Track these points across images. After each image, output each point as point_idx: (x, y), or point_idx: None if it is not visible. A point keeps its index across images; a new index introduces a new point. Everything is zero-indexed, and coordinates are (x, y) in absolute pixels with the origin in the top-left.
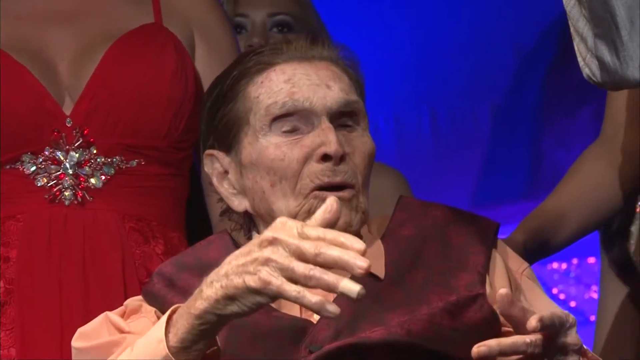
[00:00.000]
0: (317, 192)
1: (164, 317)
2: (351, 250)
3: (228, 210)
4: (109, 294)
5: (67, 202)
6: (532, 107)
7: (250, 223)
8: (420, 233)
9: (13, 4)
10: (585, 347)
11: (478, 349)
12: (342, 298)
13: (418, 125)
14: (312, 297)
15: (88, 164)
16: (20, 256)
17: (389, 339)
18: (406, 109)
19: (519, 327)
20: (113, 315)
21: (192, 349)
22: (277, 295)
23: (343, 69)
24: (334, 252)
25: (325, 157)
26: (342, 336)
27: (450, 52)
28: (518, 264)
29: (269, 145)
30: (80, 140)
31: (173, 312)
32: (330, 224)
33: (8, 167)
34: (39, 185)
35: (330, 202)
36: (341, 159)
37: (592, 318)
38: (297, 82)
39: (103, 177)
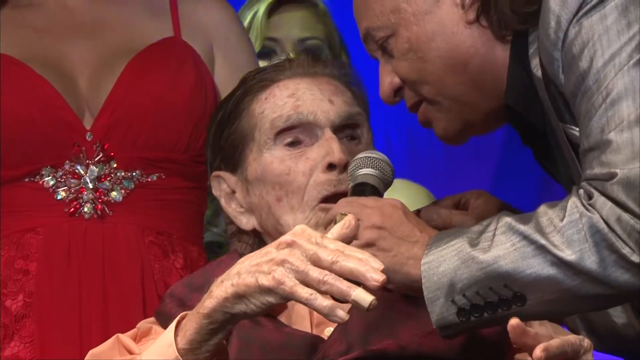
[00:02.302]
0: (323, 205)
1: (174, 322)
2: (368, 265)
3: (238, 232)
4: (128, 308)
5: (86, 216)
6: None
7: (260, 242)
8: None
9: (33, 16)
10: None
11: None
12: (353, 312)
13: (429, 137)
14: (323, 300)
15: (108, 178)
16: (40, 269)
17: (401, 352)
18: (414, 119)
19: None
20: (124, 337)
21: (201, 350)
22: (288, 296)
23: (346, 84)
24: (350, 263)
25: (330, 167)
26: (353, 350)
27: None
28: None
29: (273, 160)
30: (101, 155)
31: (182, 317)
32: (347, 240)
33: (27, 180)
34: (58, 198)
35: (349, 219)
36: (345, 167)
37: None
38: (301, 96)
39: (123, 191)
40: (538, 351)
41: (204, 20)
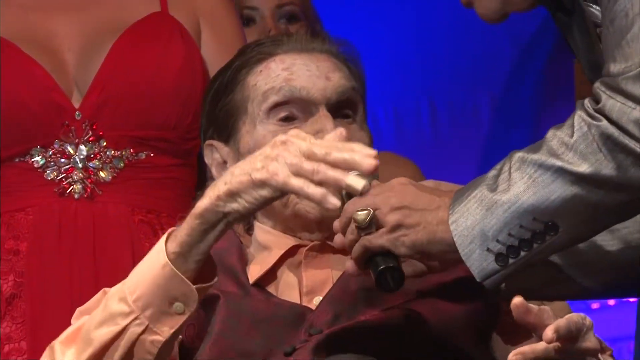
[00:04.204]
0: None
1: (165, 233)
2: (361, 152)
3: None
4: None
5: (76, 196)
6: (531, 97)
7: None
8: None
9: None
10: (603, 342)
11: (515, 357)
12: (340, 282)
13: (417, 117)
14: (316, 188)
15: (97, 157)
16: (31, 249)
17: (389, 322)
18: (405, 101)
19: (538, 331)
20: (110, 289)
21: (191, 254)
22: (282, 187)
23: (343, 61)
24: (343, 153)
25: None
26: (341, 320)
27: (449, 44)
28: None
29: (266, 134)
30: (90, 134)
31: (173, 230)
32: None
33: (17, 160)
34: (48, 178)
35: (340, 130)
36: None
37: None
38: (296, 71)
39: (112, 170)
40: (549, 332)
41: None
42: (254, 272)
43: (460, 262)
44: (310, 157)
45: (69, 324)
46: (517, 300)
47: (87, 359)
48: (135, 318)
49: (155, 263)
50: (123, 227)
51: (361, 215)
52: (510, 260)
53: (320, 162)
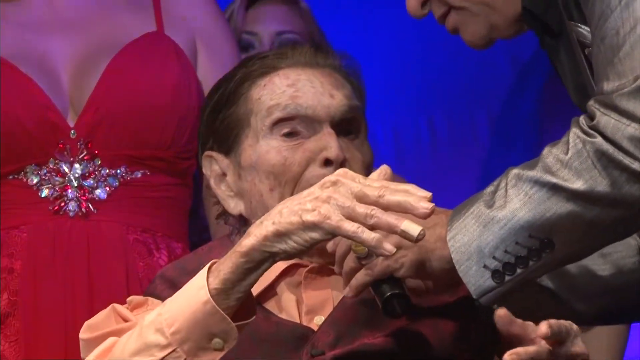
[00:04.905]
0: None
1: (205, 267)
2: (415, 195)
3: (224, 214)
4: None
5: (71, 214)
6: (529, 115)
7: (245, 227)
8: None
9: (16, 11)
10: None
11: (510, 356)
12: (342, 305)
13: (416, 134)
14: (370, 233)
15: (92, 176)
16: (25, 268)
17: (391, 344)
18: (404, 118)
19: (522, 343)
20: (120, 306)
21: (233, 291)
22: (334, 231)
23: (345, 77)
24: (397, 196)
25: (327, 162)
26: (342, 342)
27: (448, 61)
28: None
29: (269, 149)
30: (85, 152)
31: (213, 263)
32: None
33: (11, 177)
34: (42, 196)
35: (384, 168)
36: (341, 164)
37: None
38: (301, 87)
39: (107, 189)
40: (544, 327)
41: (186, 13)
42: (253, 288)
43: (459, 279)
44: (362, 199)
45: (63, 342)
46: (501, 311)
47: None
48: (173, 351)
49: (196, 298)
50: (117, 245)
51: (359, 246)
52: (507, 277)
53: (373, 205)
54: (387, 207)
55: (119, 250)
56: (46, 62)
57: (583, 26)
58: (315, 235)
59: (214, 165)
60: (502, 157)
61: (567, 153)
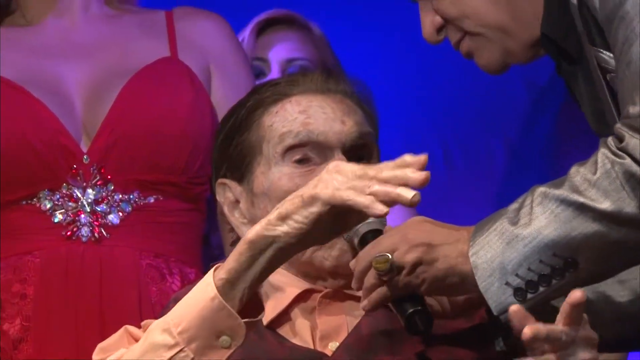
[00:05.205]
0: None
1: (212, 268)
2: (412, 163)
3: (239, 240)
4: None
5: (84, 239)
6: (545, 141)
7: None
8: None
9: (30, 36)
10: None
11: (530, 329)
12: (354, 331)
13: (431, 161)
14: (364, 196)
15: (105, 201)
16: (37, 293)
17: None
18: (419, 145)
19: (534, 344)
20: (133, 328)
21: (239, 282)
22: (330, 200)
23: (357, 103)
24: (395, 171)
25: None
26: None
27: (463, 87)
28: None
29: (281, 177)
30: (97, 178)
31: (219, 265)
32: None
33: (24, 202)
34: (55, 221)
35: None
36: None
37: None
38: (313, 114)
39: (120, 214)
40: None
41: (200, 38)
42: (267, 312)
43: (479, 297)
44: (361, 177)
45: None
46: (515, 306)
47: None
48: (180, 351)
49: (203, 295)
50: (130, 270)
51: (381, 263)
52: (529, 295)
53: (372, 179)
54: (385, 181)
55: (132, 275)
56: (59, 87)
57: (605, 52)
58: (314, 209)
59: (227, 192)
60: (517, 183)
61: (595, 173)
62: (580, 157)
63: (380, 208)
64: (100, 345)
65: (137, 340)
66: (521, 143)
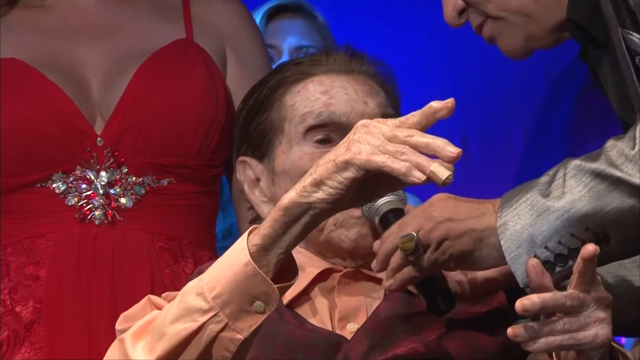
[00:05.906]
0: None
1: (247, 231)
2: (439, 108)
3: (258, 218)
4: None
5: (97, 222)
6: (563, 129)
7: None
8: None
9: (44, 18)
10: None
11: (522, 302)
12: (374, 314)
13: None
14: (401, 162)
15: (119, 184)
16: (50, 275)
17: (423, 355)
18: (437, 132)
19: (548, 304)
20: (155, 297)
21: (273, 248)
22: (365, 165)
23: (380, 84)
24: (426, 138)
25: None
26: (375, 351)
27: (482, 75)
28: None
29: (302, 156)
30: (111, 160)
31: (254, 228)
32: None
33: (38, 185)
34: (69, 204)
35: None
36: None
37: None
38: (335, 94)
39: (133, 197)
40: (590, 247)
41: (216, 20)
42: (286, 292)
43: (504, 273)
44: (392, 139)
45: (87, 350)
46: (533, 261)
47: (162, 353)
48: (215, 315)
49: (237, 260)
50: (143, 253)
51: (406, 242)
52: (557, 269)
53: (403, 144)
54: (415, 147)
55: (145, 258)
56: (73, 69)
57: (635, 34)
58: (348, 174)
59: (247, 170)
60: (535, 170)
61: (633, 148)
62: (597, 143)
63: (418, 176)
64: (124, 314)
65: (159, 308)
66: (538, 130)
